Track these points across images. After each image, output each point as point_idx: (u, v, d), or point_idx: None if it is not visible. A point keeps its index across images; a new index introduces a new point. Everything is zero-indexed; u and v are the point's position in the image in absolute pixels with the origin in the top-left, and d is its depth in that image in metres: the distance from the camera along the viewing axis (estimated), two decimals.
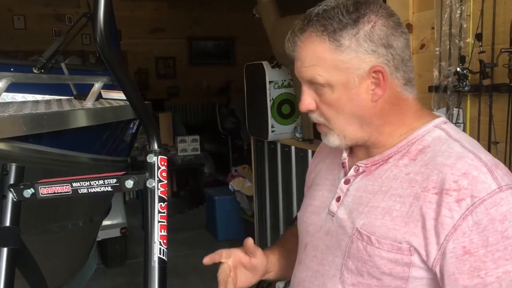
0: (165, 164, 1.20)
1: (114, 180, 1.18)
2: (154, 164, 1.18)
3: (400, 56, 0.96)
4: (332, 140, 1.03)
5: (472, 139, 1.00)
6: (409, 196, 0.93)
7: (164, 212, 1.17)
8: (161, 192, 1.17)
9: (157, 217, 1.15)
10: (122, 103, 2.03)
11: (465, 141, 0.97)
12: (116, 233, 4.04)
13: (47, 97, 1.93)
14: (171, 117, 6.36)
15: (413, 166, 0.96)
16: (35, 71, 2.00)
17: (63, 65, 1.91)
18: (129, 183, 1.18)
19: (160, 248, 1.13)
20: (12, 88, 1.59)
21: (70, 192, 1.20)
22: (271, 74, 3.31)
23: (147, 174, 1.18)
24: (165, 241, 1.15)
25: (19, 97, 1.85)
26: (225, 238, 4.77)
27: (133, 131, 2.26)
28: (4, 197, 1.18)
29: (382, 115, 0.99)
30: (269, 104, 3.32)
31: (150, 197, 1.16)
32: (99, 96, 2.04)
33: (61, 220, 2.07)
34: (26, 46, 6.00)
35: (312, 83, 0.98)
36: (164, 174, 1.19)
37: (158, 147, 1.20)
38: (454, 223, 0.88)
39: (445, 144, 0.96)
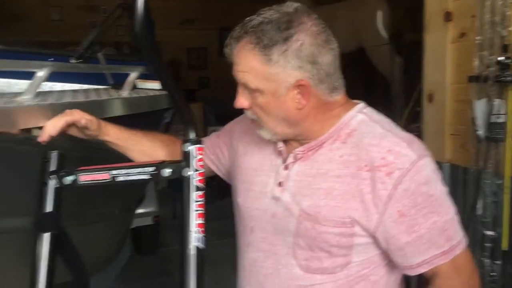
0: (202, 153, 1.20)
1: (152, 169, 1.20)
2: (191, 153, 1.19)
3: (325, 71, 1.06)
4: (264, 134, 1.15)
5: (389, 120, 1.15)
6: (346, 176, 1.07)
7: (201, 201, 1.17)
8: (198, 181, 1.18)
9: (193, 206, 1.16)
10: (157, 92, 2.05)
11: (384, 122, 1.13)
12: (148, 221, 4.08)
13: (85, 86, 1.97)
14: (202, 108, 6.38)
15: (344, 148, 1.09)
16: (72, 61, 2.04)
17: (100, 55, 1.94)
18: (166, 172, 1.19)
19: (196, 236, 1.14)
20: (51, 77, 1.62)
21: (109, 180, 1.22)
22: None
23: (184, 163, 1.19)
24: (202, 229, 1.15)
25: (58, 86, 1.89)
26: None
27: (168, 120, 2.28)
28: (45, 184, 1.21)
29: (309, 118, 1.10)
30: None
31: (186, 186, 1.17)
32: (134, 86, 2.06)
33: (98, 207, 2.11)
34: (63, 37, 6.12)
35: (246, 87, 1.09)
36: (201, 163, 1.19)
37: (195, 136, 1.20)
38: (388, 193, 1.03)
39: (369, 126, 1.10)
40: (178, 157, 1.34)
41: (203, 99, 7.61)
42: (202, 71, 8.22)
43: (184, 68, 8.12)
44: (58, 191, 1.23)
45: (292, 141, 1.17)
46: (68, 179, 1.21)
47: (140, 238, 4.30)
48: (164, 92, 2.09)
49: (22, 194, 1.28)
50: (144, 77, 2.17)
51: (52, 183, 1.22)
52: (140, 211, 3.73)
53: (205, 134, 1.33)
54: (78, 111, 1.23)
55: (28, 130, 1.32)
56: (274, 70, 1.04)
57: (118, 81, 2.08)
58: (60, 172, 1.21)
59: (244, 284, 1.24)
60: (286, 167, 1.16)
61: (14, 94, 1.42)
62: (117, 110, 1.60)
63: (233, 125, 1.38)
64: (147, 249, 4.37)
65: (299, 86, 1.05)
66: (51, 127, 1.19)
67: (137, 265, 4.19)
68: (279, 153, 1.18)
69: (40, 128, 1.33)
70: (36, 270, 1.17)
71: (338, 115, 1.13)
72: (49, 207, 1.21)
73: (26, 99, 1.31)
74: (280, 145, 1.18)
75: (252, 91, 1.08)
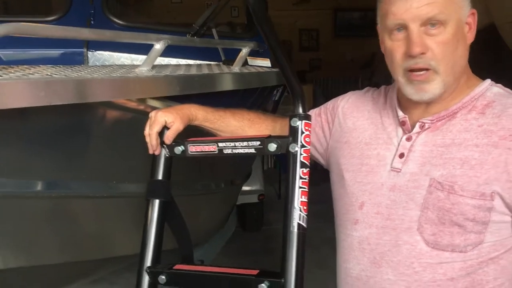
0: (309, 129, 1.16)
1: (258, 143, 1.19)
2: (298, 128, 1.15)
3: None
4: (434, 87, 1.05)
5: None
6: (487, 145, 1.02)
7: (305, 178, 1.14)
8: (304, 157, 1.15)
9: (298, 182, 1.13)
10: (267, 70, 2.05)
11: None
12: (254, 199, 4.18)
13: (198, 62, 2.02)
14: (312, 90, 6.33)
15: (484, 118, 1.04)
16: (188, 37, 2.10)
17: (213, 30, 1.98)
18: (272, 147, 1.17)
19: (300, 214, 1.11)
20: (167, 53, 1.68)
21: (216, 152, 1.23)
22: None
23: (290, 139, 1.16)
24: (305, 207, 1.12)
25: (174, 62, 1.96)
26: None
27: (276, 98, 2.27)
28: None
29: (465, 62, 1.08)
30: None
31: (292, 162, 1.14)
32: (246, 63, 2.07)
33: (205, 179, 2.18)
34: (182, 19, 6.39)
35: (427, 23, 1.01)
36: (308, 139, 1.15)
37: (303, 112, 1.17)
38: None
39: (510, 98, 1.06)
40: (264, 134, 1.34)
41: (314, 81, 7.55)
42: (313, 53, 8.13)
43: (295, 50, 8.10)
44: (169, 160, 1.27)
45: (414, 110, 1.12)
46: (178, 149, 1.25)
47: (245, 215, 4.44)
48: (273, 70, 2.08)
49: (138, 162, 1.34)
50: (255, 54, 2.18)
51: (163, 153, 1.26)
52: (246, 188, 3.82)
53: None
54: (160, 114, 1.21)
55: (144, 100, 1.37)
56: None
57: (231, 58, 2.10)
58: (171, 142, 1.24)
59: (354, 264, 1.16)
60: (409, 138, 1.11)
61: (133, 66, 1.50)
62: (227, 84, 1.62)
63: (336, 103, 1.33)
64: (251, 226, 4.49)
65: (472, 15, 1.06)
66: (153, 141, 1.22)
67: (240, 240, 4.31)
68: (402, 123, 1.13)
69: (155, 98, 1.39)
70: (147, 233, 1.23)
71: (467, 85, 1.10)
72: (160, 175, 1.26)
73: (143, 70, 1.37)
74: (402, 115, 1.13)
75: (437, 26, 1.02)
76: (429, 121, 1.09)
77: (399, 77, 1.07)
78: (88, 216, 1.50)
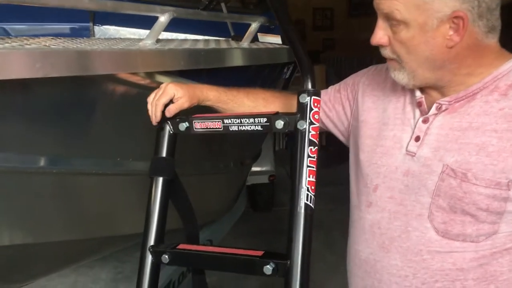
0: (318, 106, 1.11)
1: (265, 120, 1.14)
2: (307, 104, 1.10)
3: (487, 4, 0.93)
4: (401, 77, 1.03)
5: None
6: (506, 131, 0.95)
7: (314, 157, 1.09)
8: (312, 135, 1.10)
9: (306, 161, 1.08)
10: (277, 46, 1.99)
11: None
12: (264, 179, 4.17)
13: (207, 38, 1.97)
14: (324, 70, 6.23)
15: (506, 101, 0.97)
16: None
17: (222, 4, 1.92)
18: (279, 124, 1.12)
19: (307, 194, 1.07)
20: (174, 27, 1.63)
21: (222, 129, 1.19)
22: None
23: (298, 116, 1.11)
24: (313, 187, 1.08)
25: (181, 37, 1.91)
26: None
27: (287, 76, 2.22)
28: (162, 129, 1.22)
29: (457, 59, 0.98)
30: None
31: (300, 140, 1.09)
32: (256, 39, 2.01)
33: (214, 159, 2.15)
34: None
35: (389, 18, 0.98)
36: (317, 116, 1.10)
37: (312, 87, 1.11)
38: None
39: None
40: None
41: (327, 61, 7.43)
42: (327, 32, 7.99)
43: (308, 29, 7.97)
44: (173, 137, 1.23)
45: (431, 91, 1.05)
46: (183, 126, 1.20)
47: (256, 196, 4.42)
48: (284, 47, 2.02)
49: (142, 139, 1.30)
50: (266, 30, 2.11)
51: (167, 129, 1.22)
52: (256, 169, 3.79)
53: None
54: (171, 86, 1.17)
55: (151, 75, 1.33)
56: None
57: (240, 34, 2.04)
58: (176, 118, 1.20)
59: (363, 247, 1.13)
60: (426, 120, 1.05)
61: (138, 39, 1.46)
62: (234, 60, 1.57)
63: (357, 78, 1.27)
64: (261, 206, 4.48)
65: (454, 18, 0.93)
66: (157, 112, 1.17)
67: (251, 221, 4.31)
68: (419, 104, 1.07)
69: (160, 72, 1.34)
70: (150, 212, 1.20)
71: (491, 64, 1.00)
72: (163, 152, 1.22)
73: (147, 44, 1.32)
74: (419, 95, 1.06)
75: (396, 24, 0.97)
76: (447, 102, 1.02)
77: None
78: (92, 193, 1.47)
